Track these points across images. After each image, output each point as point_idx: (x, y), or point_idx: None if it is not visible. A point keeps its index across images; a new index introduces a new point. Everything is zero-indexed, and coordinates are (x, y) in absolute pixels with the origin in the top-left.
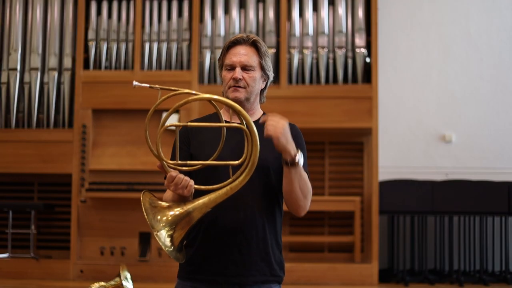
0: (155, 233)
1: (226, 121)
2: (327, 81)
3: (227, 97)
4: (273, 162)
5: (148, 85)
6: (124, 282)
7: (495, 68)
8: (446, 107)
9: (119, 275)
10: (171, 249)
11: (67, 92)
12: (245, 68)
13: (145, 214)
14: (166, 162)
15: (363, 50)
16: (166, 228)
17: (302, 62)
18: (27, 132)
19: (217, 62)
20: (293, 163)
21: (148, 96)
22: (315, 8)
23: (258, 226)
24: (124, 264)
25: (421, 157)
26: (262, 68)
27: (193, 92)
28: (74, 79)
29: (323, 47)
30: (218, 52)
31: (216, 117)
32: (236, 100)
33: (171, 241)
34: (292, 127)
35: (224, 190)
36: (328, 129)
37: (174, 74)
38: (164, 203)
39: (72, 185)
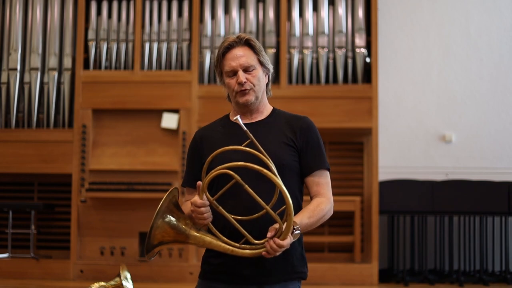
0: (152, 224)
1: (233, 122)
2: (327, 81)
3: (237, 102)
4: (288, 160)
5: (245, 129)
6: (124, 282)
7: (495, 68)
8: (446, 107)
9: (119, 275)
10: (151, 246)
11: (67, 92)
12: (247, 70)
13: (159, 206)
14: (206, 195)
15: (363, 50)
16: (162, 229)
17: (302, 62)
18: (27, 132)
19: (215, 70)
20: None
21: (148, 96)
22: (315, 8)
23: (266, 229)
24: (124, 264)
25: (421, 157)
26: (262, 64)
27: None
28: (74, 79)
29: (323, 47)
30: None
31: (224, 118)
32: (246, 103)
33: (155, 239)
34: (302, 120)
35: (226, 247)
36: (328, 129)
37: (174, 74)
38: (179, 212)
39: (72, 185)
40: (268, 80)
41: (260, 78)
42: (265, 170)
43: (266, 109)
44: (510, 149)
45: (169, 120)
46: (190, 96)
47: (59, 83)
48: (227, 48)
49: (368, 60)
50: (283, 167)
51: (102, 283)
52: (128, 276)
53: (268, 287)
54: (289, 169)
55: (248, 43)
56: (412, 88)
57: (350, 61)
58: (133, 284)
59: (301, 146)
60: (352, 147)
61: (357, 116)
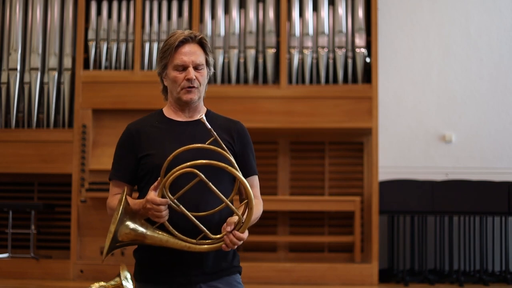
0: (112, 229)
1: (170, 119)
2: (327, 81)
3: (179, 99)
4: (227, 162)
5: (209, 127)
6: (124, 282)
7: (495, 68)
8: (446, 107)
9: (119, 275)
10: (111, 249)
11: (67, 92)
12: (196, 67)
13: (116, 213)
14: (167, 194)
15: (363, 50)
16: (122, 232)
17: (302, 62)
18: (27, 132)
19: (160, 61)
20: None
21: (148, 96)
22: (315, 8)
23: (217, 225)
24: (124, 264)
25: (421, 157)
26: (208, 64)
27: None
28: (74, 79)
29: (323, 47)
30: (219, 52)
31: (159, 115)
32: (190, 101)
33: (116, 245)
34: (239, 125)
35: (183, 244)
36: (328, 129)
37: None
38: (134, 213)
39: (72, 185)
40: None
41: (206, 78)
42: (230, 168)
43: (202, 109)
44: (510, 149)
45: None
46: None
47: (59, 83)
48: (182, 42)
49: (368, 60)
50: (221, 175)
51: (102, 283)
52: (128, 276)
53: (215, 283)
54: (228, 178)
55: (200, 42)
56: (412, 88)
57: (350, 61)
58: (133, 284)
59: (238, 150)
60: (352, 147)
61: (357, 116)
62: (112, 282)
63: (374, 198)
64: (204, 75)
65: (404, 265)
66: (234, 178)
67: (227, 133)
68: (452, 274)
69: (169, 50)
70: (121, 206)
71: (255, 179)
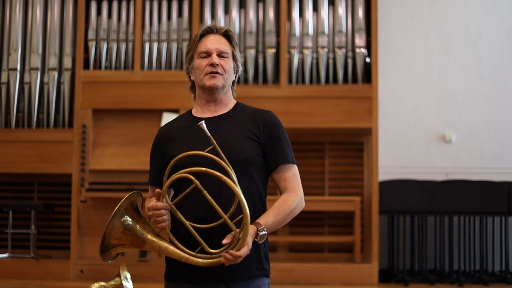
0: (108, 224)
1: (196, 117)
2: (327, 81)
3: (203, 86)
4: (251, 154)
5: (208, 134)
6: (124, 282)
7: (495, 68)
8: (446, 107)
9: (119, 275)
10: (106, 247)
11: (67, 92)
12: (220, 55)
13: (117, 207)
14: (166, 199)
15: (363, 50)
16: (118, 230)
17: (302, 62)
18: (27, 132)
19: (186, 55)
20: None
21: (148, 96)
22: (315, 8)
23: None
24: (124, 264)
25: (421, 157)
26: (234, 58)
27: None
28: (74, 79)
29: (323, 47)
30: None
31: (187, 114)
32: (213, 87)
33: (111, 240)
34: (266, 114)
35: (182, 254)
36: (328, 129)
37: (174, 74)
38: (137, 216)
39: (72, 185)
40: (235, 80)
41: (231, 69)
42: (225, 177)
43: (230, 102)
44: (510, 149)
45: (169, 120)
46: (190, 96)
47: (59, 83)
48: (206, 31)
49: (368, 60)
50: (246, 160)
51: (102, 283)
52: (128, 276)
53: (236, 285)
54: (252, 163)
55: (226, 34)
56: (412, 88)
57: (350, 61)
58: (133, 284)
59: (264, 140)
60: (352, 147)
61: (357, 116)
62: (112, 282)
63: (374, 198)
64: (229, 64)
65: (404, 265)
66: (266, 170)
67: (254, 123)
68: (452, 274)
69: (194, 41)
70: (120, 203)
71: (290, 169)
